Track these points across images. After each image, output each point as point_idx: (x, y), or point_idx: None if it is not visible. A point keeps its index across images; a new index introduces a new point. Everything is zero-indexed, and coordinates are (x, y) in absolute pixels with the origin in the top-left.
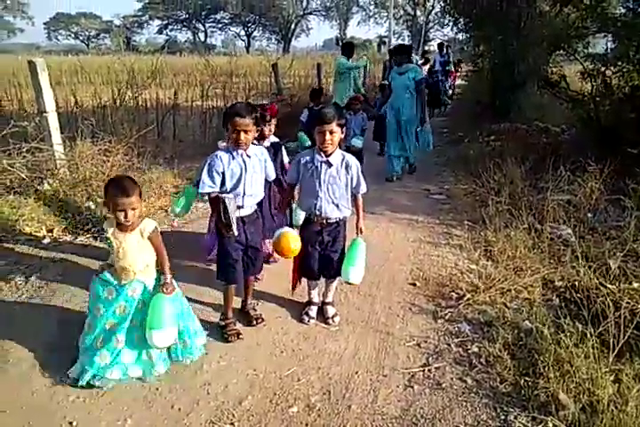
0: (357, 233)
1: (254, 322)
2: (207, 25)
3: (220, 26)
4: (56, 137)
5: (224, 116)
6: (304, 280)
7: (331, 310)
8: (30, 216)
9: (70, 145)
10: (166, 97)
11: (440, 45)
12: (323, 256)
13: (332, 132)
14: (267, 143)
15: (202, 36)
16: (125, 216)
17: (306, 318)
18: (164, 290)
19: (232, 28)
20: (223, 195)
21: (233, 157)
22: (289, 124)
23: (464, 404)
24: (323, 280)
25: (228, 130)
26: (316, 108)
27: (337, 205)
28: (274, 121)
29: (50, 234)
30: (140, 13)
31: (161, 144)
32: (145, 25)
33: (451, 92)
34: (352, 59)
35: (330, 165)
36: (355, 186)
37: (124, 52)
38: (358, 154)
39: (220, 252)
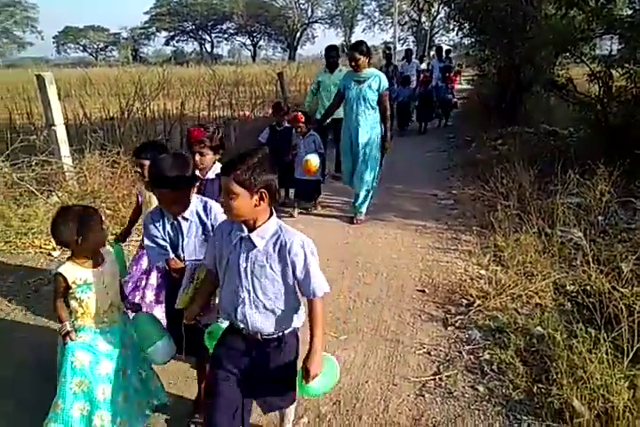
0: (305, 376)
1: None
2: (213, 35)
3: (226, 36)
4: (64, 150)
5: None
6: None
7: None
8: (39, 229)
9: (79, 157)
10: (174, 107)
11: (439, 50)
12: (246, 389)
13: (230, 194)
14: (211, 175)
15: (208, 46)
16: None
17: None
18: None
19: (238, 38)
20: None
21: (166, 220)
22: None
23: (476, 412)
24: None
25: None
26: (279, 128)
27: (272, 312)
28: (205, 149)
29: (59, 246)
30: (146, 25)
31: None
32: (152, 37)
33: (454, 100)
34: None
35: (253, 245)
36: (301, 282)
37: (131, 64)
38: (315, 183)
39: None
